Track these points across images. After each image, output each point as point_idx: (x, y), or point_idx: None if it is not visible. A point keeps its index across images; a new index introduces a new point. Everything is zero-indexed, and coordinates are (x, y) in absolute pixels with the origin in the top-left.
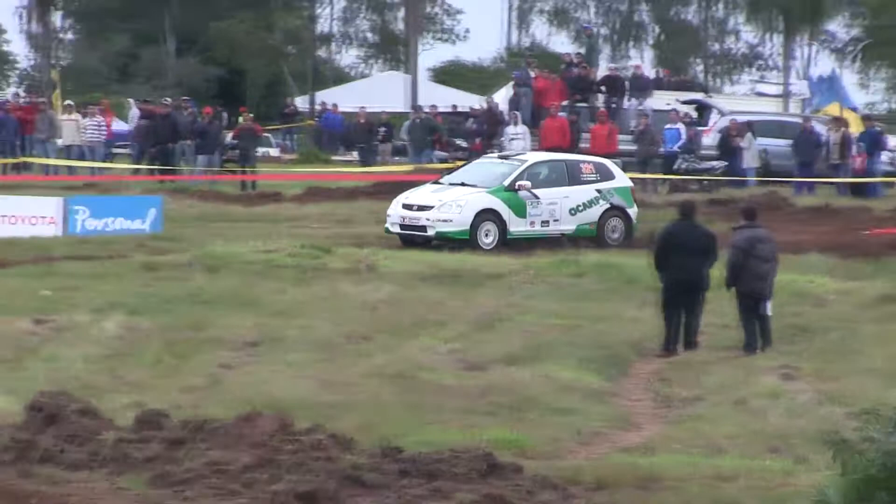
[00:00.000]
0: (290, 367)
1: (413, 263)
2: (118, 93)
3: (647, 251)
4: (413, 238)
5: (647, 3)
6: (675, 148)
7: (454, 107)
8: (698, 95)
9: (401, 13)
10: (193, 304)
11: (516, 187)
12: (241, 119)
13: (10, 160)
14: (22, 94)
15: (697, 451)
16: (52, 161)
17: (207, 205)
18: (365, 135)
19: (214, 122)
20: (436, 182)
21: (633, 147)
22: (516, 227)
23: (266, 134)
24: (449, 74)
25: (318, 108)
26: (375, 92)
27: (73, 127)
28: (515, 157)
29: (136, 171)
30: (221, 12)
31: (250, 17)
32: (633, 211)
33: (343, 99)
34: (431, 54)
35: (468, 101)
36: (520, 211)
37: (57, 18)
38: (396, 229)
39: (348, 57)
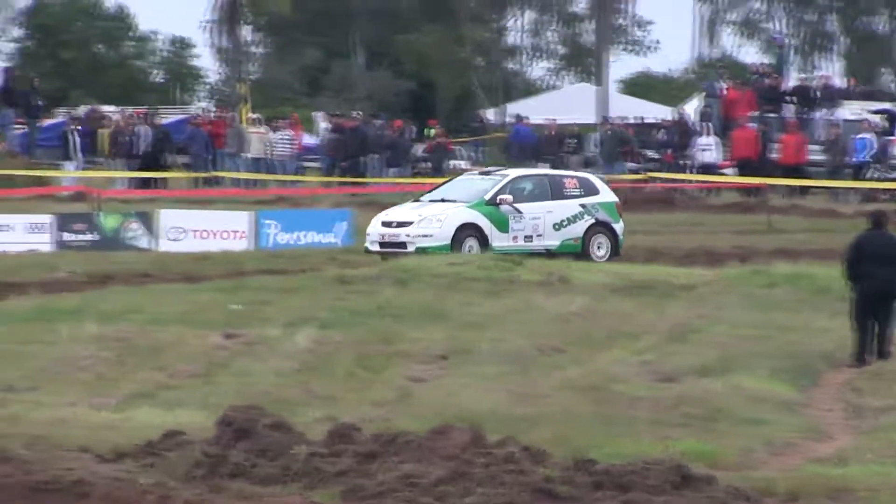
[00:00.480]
0: (481, 379)
1: (605, 275)
2: (307, 106)
3: (839, 261)
4: (393, 255)
5: (835, 13)
6: (866, 158)
7: (641, 118)
8: (888, 105)
9: (590, 25)
10: (384, 317)
11: (497, 201)
12: (429, 132)
13: (202, 174)
14: (211, 108)
15: (890, 462)
16: (242, 175)
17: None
18: (554, 147)
19: (404, 135)
20: (416, 200)
21: (823, 157)
22: (499, 241)
23: (456, 146)
24: (639, 86)
25: (509, 120)
26: (565, 104)
27: (261, 140)
28: (497, 172)
29: (327, 184)
30: (410, 25)
31: (439, 30)
32: (619, 226)
33: (533, 111)
34: (621, 66)
35: (658, 112)
36: (502, 226)
37: (246, 32)
38: (376, 248)
39: (538, 69)
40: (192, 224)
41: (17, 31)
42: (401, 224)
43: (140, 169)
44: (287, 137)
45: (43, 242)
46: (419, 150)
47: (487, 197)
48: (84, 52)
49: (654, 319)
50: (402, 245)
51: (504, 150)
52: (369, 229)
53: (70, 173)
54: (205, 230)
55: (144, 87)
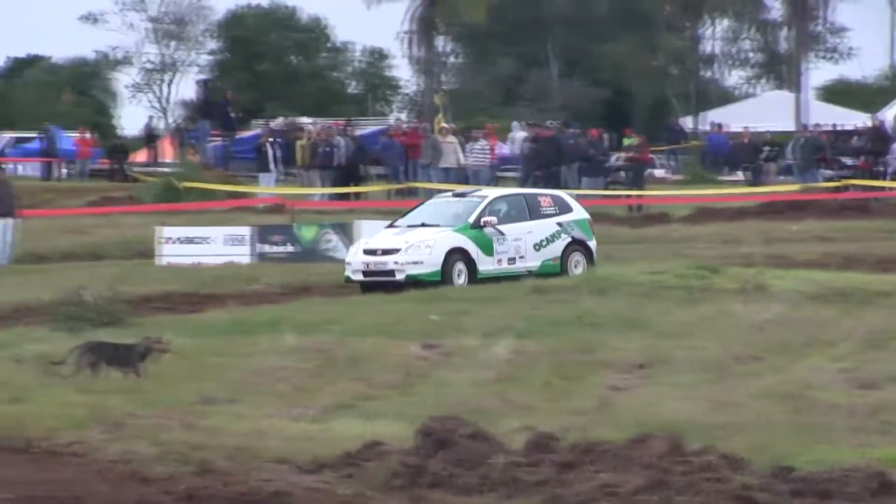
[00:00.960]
0: (678, 388)
1: (802, 282)
2: (502, 116)
3: None
4: (379, 284)
5: None
6: None
7: (837, 126)
8: None
9: (787, 32)
10: (581, 326)
11: (482, 224)
12: (631, 141)
13: (397, 186)
14: (405, 119)
15: None
16: (437, 185)
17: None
18: (749, 154)
19: (599, 144)
20: (391, 226)
21: None
22: (485, 265)
23: (652, 155)
24: (836, 93)
25: (706, 128)
26: (761, 111)
27: (455, 150)
28: (472, 193)
29: None
30: (605, 34)
31: (634, 40)
32: (593, 244)
33: (728, 119)
34: (816, 73)
35: (855, 119)
36: (487, 249)
37: (441, 43)
38: (359, 277)
39: (733, 77)
40: None
41: (212, 44)
42: (387, 251)
43: (337, 180)
44: (482, 147)
45: (242, 255)
46: (615, 159)
47: (471, 220)
48: (279, 63)
49: (852, 326)
50: (390, 273)
51: (700, 159)
52: (349, 258)
53: (268, 190)
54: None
55: (340, 99)
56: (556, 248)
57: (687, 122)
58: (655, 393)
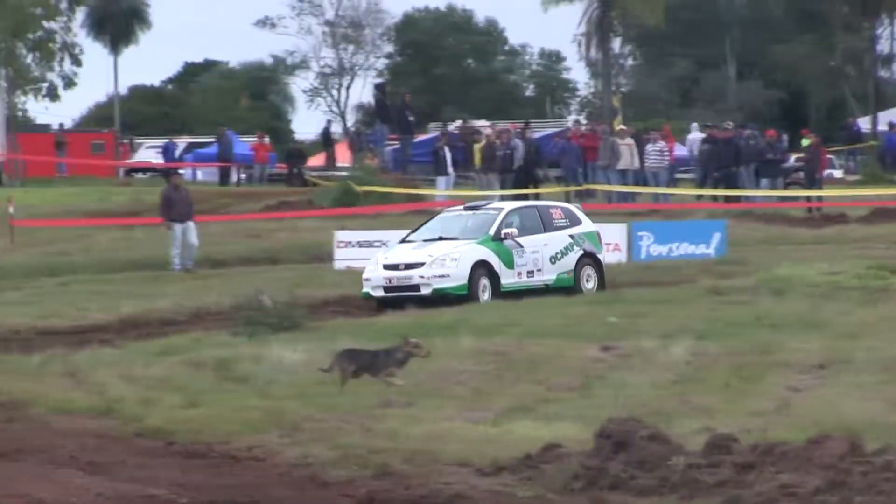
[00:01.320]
0: (858, 388)
1: None
2: (679, 118)
3: None
4: (403, 300)
5: None
6: None
7: None
8: None
9: None
10: (760, 327)
11: (503, 236)
12: (803, 142)
13: (574, 188)
14: (582, 121)
15: None
16: (614, 187)
17: (772, 228)
18: None
19: (777, 145)
20: (404, 240)
21: None
22: (506, 278)
23: (830, 156)
24: None
25: (884, 128)
26: None
27: (631, 152)
28: (485, 206)
29: (700, 196)
30: (782, 35)
31: (810, 40)
32: (602, 257)
33: None
34: None
35: None
36: (508, 261)
37: (617, 45)
38: (380, 293)
39: None
40: None
41: (388, 47)
42: (410, 266)
43: (514, 183)
44: (659, 149)
45: None
46: (792, 160)
47: (492, 232)
48: (456, 66)
49: None
50: (415, 288)
51: (878, 160)
52: (368, 273)
53: (445, 192)
54: None
55: (516, 101)
56: (570, 260)
57: (864, 123)
58: (835, 393)
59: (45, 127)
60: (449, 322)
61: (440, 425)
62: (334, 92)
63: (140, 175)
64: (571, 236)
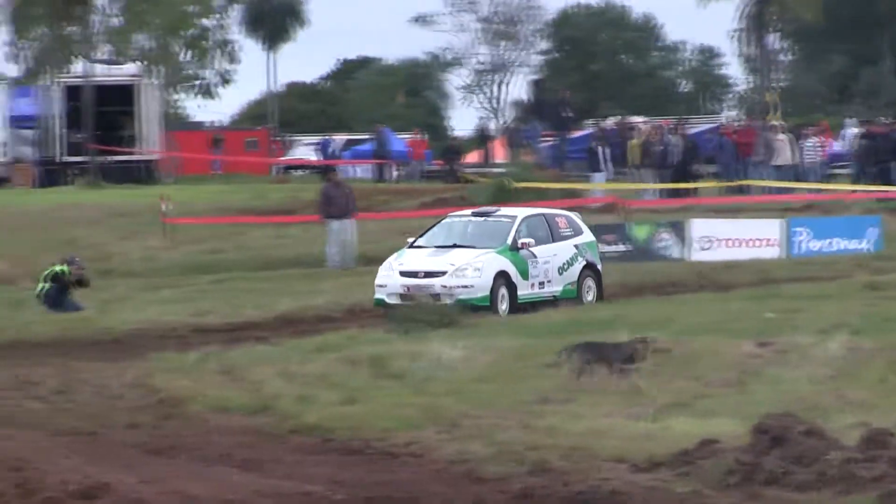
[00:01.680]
0: None
1: None
2: (836, 113)
3: None
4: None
5: None
6: None
7: None
8: None
9: None
10: None
11: (520, 245)
12: None
13: (730, 183)
14: (736, 116)
15: None
16: (770, 183)
17: None
18: None
19: None
20: (413, 245)
21: None
22: (523, 289)
23: None
24: None
25: None
26: None
27: (785, 147)
28: (495, 213)
29: (855, 190)
30: None
31: None
32: (601, 268)
33: None
34: None
35: None
36: (524, 272)
37: (774, 40)
38: (395, 300)
39: None
40: (722, 233)
41: (544, 43)
42: (430, 274)
43: (670, 179)
44: (814, 144)
45: None
46: None
47: (510, 241)
48: (611, 63)
49: None
50: (436, 297)
51: None
52: (382, 279)
53: (598, 186)
54: (735, 239)
55: (672, 97)
56: (575, 271)
57: None
58: None
59: (200, 124)
60: (606, 318)
61: (599, 422)
62: (489, 88)
63: (296, 172)
64: (576, 246)
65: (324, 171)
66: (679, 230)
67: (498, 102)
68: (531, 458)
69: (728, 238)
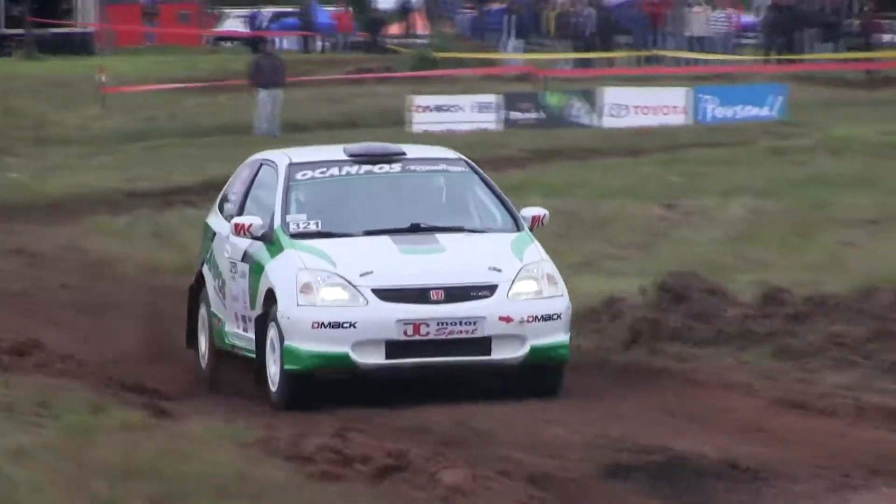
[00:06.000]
0: None
1: None
2: None
3: None
4: None
5: None
6: None
7: None
8: None
9: None
10: (816, 185)
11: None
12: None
13: (642, 53)
14: None
15: None
16: (680, 53)
17: (831, 91)
18: None
19: (839, 10)
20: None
21: None
22: None
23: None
24: None
25: None
26: None
27: (699, 19)
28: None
29: (763, 61)
30: None
31: None
32: None
33: None
34: None
35: None
36: None
37: None
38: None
39: None
40: (632, 101)
41: None
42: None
43: (584, 50)
44: (725, 16)
45: (489, 122)
46: (854, 25)
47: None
48: None
49: None
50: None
51: None
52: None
53: (515, 56)
54: (644, 106)
55: None
56: None
57: None
58: (885, 247)
59: None
60: (519, 183)
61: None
62: None
63: (226, 44)
64: None
65: (252, 42)
66: (591, 98)
67: None
68: None
69: (638, 105)
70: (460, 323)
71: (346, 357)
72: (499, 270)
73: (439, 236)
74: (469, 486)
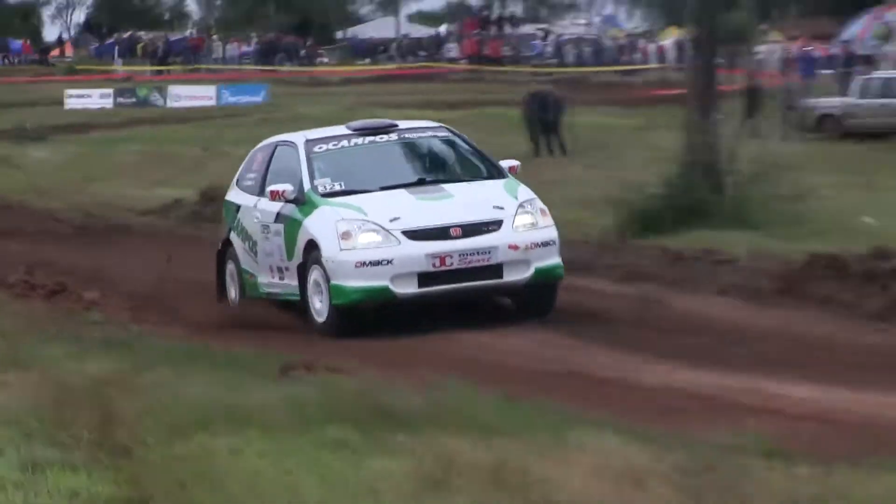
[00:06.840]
0: None
1: None
2: None
3: None
4: None
5: None
6: None
7: None
8: None
9: None
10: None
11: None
12: None
13: (188, 67)
14: None
15: None
16: (215, 66)
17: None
18: None
19: None
20: (335, 193)
21: None
22: None
23: None
24: None
25: None
26: None
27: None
28: (406, 129)
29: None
30: None
31: None
32: None
33: None
34: None
35: None
36: None
37: None
38: (413, 288)
39: None
40: (185, 93)
41: None
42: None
43: (159, 65)
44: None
45: (108, 103)
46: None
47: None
48: None
49: None
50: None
51: None
52: (373, 254)
53: (118, 67)
54: (191, 96)
55: None
56: None
57: None
58: None
59: None
60: (125, 136)
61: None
62: None
63: None
64: None
65: None
66: (163, 91)
67: None
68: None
69: (188, 95)
70: (477, 253)
71: (386, 289)
72: (501, 208)
73: (445, 186)
74: (101, 299)
